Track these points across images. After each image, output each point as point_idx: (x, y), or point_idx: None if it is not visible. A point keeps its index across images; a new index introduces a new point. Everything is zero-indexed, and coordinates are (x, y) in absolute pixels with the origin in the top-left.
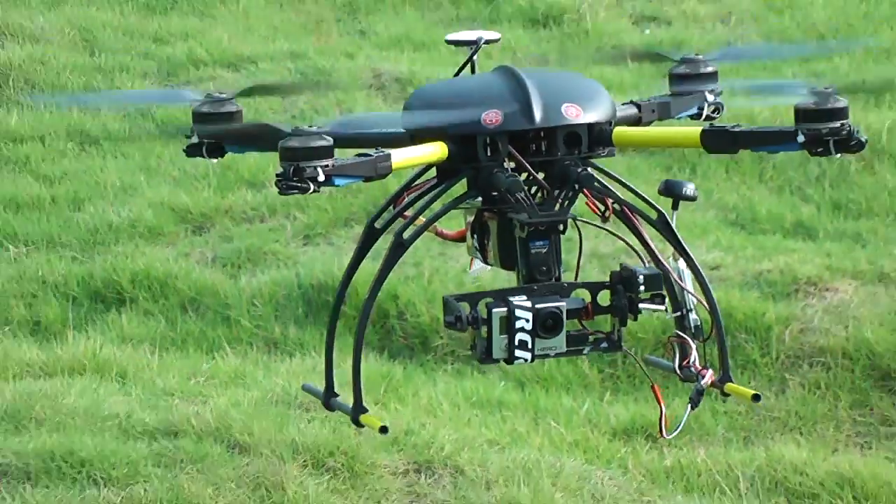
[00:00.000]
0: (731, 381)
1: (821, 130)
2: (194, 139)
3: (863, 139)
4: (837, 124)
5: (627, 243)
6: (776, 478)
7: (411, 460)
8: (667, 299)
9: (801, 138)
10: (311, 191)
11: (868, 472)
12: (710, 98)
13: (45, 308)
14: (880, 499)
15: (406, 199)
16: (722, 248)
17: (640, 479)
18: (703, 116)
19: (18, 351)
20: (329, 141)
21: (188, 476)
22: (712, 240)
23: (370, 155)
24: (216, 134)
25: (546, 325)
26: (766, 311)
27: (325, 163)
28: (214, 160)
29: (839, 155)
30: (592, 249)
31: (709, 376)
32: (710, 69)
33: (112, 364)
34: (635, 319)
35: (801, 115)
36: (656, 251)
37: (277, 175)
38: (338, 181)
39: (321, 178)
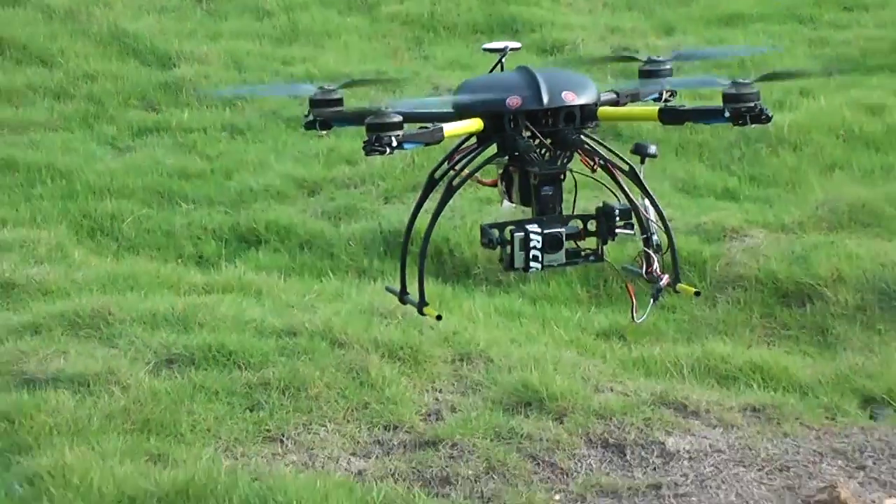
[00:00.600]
0: (679, 282)
1: (740, 108)
2: (310, 118)
3: (769, 114)
4: (752, 104)
5: (608, 188)
6: (709, 365)
7: (457, 352)
8: (636, 226)
9: (726, 114)
10: (387, 153)
11: (773, 361)
12: (667, 86)
13: (206, 246)
14: (781, 380)
15: (456, 157)
16: (673, 207)
17: (615, 366)
18: (663, 99)
19: (187, 275)
20: (400, 118)
21: (302, 363)
22: (666, 202)
23: (428, 127)
24: (326, 114)
25: (551, 243)
26: (703, 251)
27: (397, 133)
28: (324, 132)
29: (753, 125)
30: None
31: (665, 279)
32: (667, 66)
33: (252, 285)
34: (613, 240)
35: (726, 98)
36: (629, 192)
37: (364, 142)
38: (407, 146)
39: (394, 143)
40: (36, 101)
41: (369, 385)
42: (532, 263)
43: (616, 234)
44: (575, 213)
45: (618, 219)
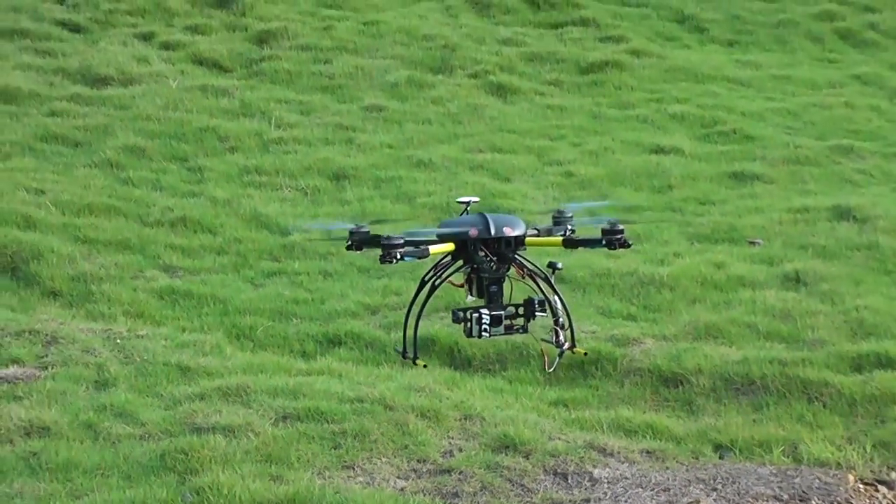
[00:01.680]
0: (575, 347)
1: (612, 238)
2: (349, 243)
3: (630, 243)
4: (619, 236)
5: (533, 288)
6: (619, 423)
7: (463, 414)
8: (548, 310)
9: (603, 242)
10: (394, 262)
11: (659, 421)
12: (570, 226)
13: (308, 346)
14: (664, 433)
15: (438, 267)
16: (596, 324)
17: (561, 423)
18: (568, 233)
19: (296, 364)
20: (402, 241)
21: (367, 419)
22: (592, 321)
23: (419, 248)
24: (358, 240)
25: (495, 321)
26: (615, 352)
27: (399, 252)
28: (357, 252)
29: (620, 249)
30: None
31: (566, 345)
32: (569, 215)
33: (336, 370)
34: (534, 319)
35: (603, 232)
36: (544, 291)
37: (380, 256)
38: (406, 258)
39: (398, 257)
40: (205, 255)
41: (408, 433)
42: (483, 333)
43: (536, 316)
44: (511, 302)
45: (537, 306)
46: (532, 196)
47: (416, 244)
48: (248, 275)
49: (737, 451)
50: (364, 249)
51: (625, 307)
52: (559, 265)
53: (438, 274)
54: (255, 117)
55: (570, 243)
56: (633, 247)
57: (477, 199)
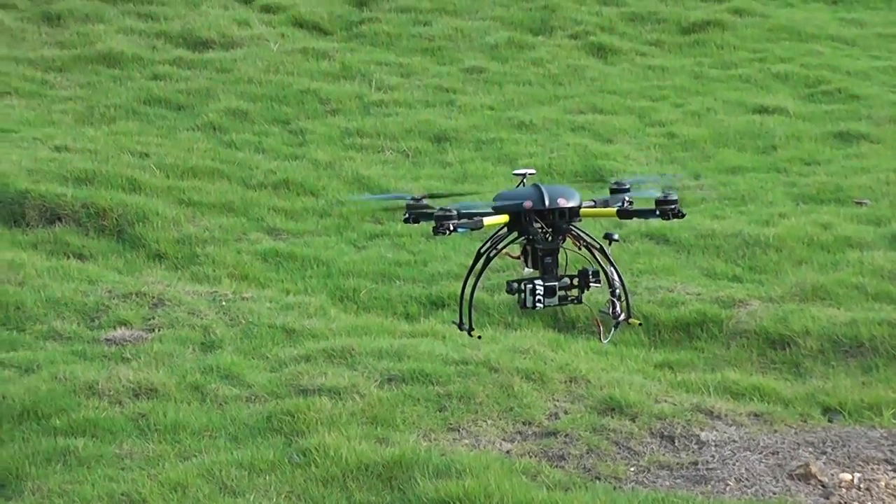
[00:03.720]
0: (631, 317)
1: (666, 209)
2: (406, 216)
3: (684, 213)
4: (673, 206)
5: (587, 258)
6: (726, 386)
7: (568, 376)
8: (600, 281)
9: (657, 213)
10: (448, 234)
11: (766, 384)
12: (628, 197)
13: (412, 307)
14: (771, 396)
15: (493, 239)
16: (701, 286)
17: (667, 386)
18: (625, 204)
19: (400, 326)
20: (455, 213)
21: (472, 381)
22: (697, 283)
23: (473, 220)
24: (416, 213)
25: (549, 292)
26: (721, 314)
27: (452, 223)
28: (415, 224)
29: (674, 219)
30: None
31: (622, 316)
32: (626, 186)
33: (440, 332)
34: (588, 290)
35: (657, 202)
36: (602, 262)
37: (433, 227)
38: (460, 230)
39: (451, 228)
40: (308, 218)
41: (513, 396)
42: (537, 304)
43: (590, 287)
44: (566, 273)
45: (591, 278)
46: (634, 157)
47: (470, 216)
48: (350, 237)
49: (846, 414)
50: (422, 222)
51: (730, 268)
52: (615, 236)
53: (494, 245)
54: (356, 80)
55: (625, 214)
56: (686, 216)
57: (533, 171)
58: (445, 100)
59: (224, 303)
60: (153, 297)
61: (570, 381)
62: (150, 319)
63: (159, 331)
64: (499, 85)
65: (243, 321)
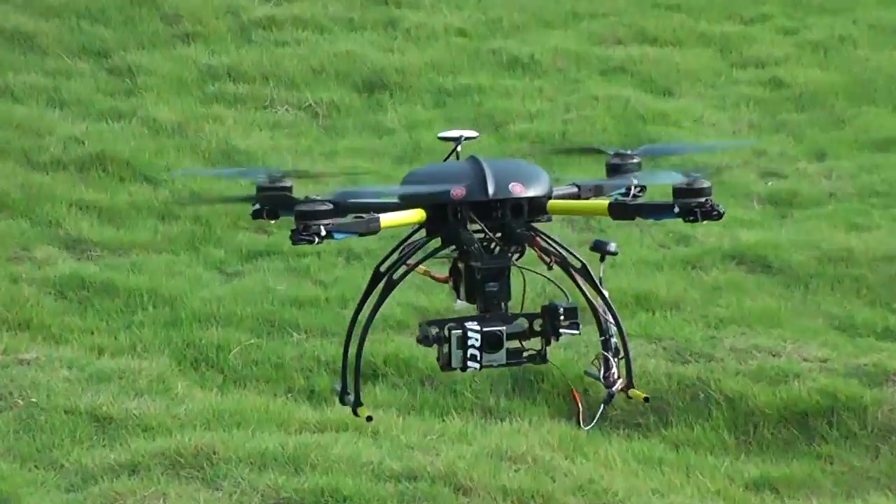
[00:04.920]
0: (633, 388)
1: (690, 204)
2: (256, 206)
3: (722, 210)
4: (702, 199)
5: (556, 284)
6: None
7: (592, 502)
8: (581, 325)
9: (676, 209)
10: (316, 242)
11: None
12: (636, 181)
13: (319, 380)
14: None
15: (402, 250)
16: (829, 346)
17: None
18: (631, 195)
19: (298, 412)
20: (329, 206)
21: None
22: (821, 340)
23: (363, 217)
24: (273, 202)
25: (491, 343)
26: (863, 395)
27: (326, 221)
28: (271, 221)
29: (704, 221)
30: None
31: (619, 383)
32: (635, 161)
33: (368, 424)
34: (557, 340)
35: (676, 192)
36: (587, 293)
37: (291, 231)
38: (337, 236)
39: (323, 232)
40: (139, 222)
41: None
42: (470, 363)
43: (560, 334)
44: (522, 311)
45: (562, 318)
46: (711, 121)
47: (358, 210)
48: (213, 255)
49: None
50: (284, 217)
51: (879, 316)
52: (611, 246)
53: (403, 261)
54: None
55: (621, 211)
56: (724, 216)
57: (474, 133)
58: (382, 18)
59: None
60: None
61: None
62: None
63: None
64: None
65: (20, 402)
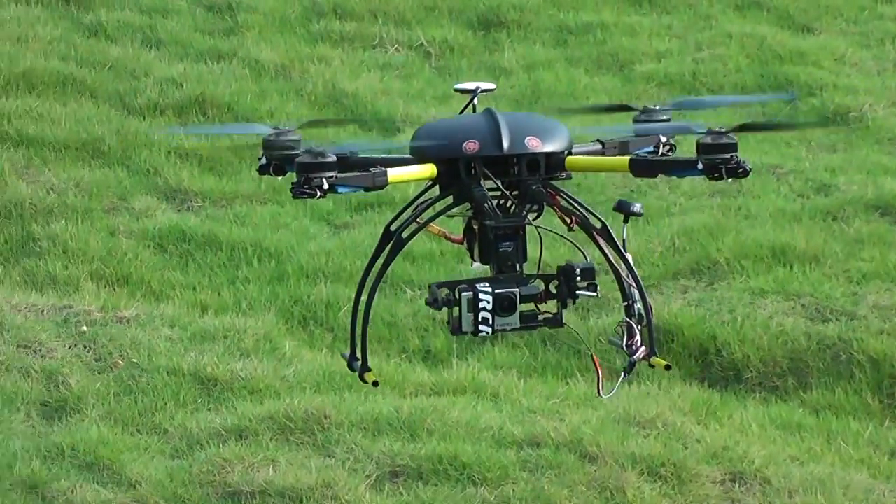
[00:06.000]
0: (655, 356)
1: (715, 160)
2: (263, 161)
3: (748, 167)
4: (728, 155)
5: (574, 244)
6: None
7: (727, 471)
8: (599, 287)
9: (700, 166)
10: (317, 196)
11: None
12: (664, 139)
13: (435, 340)
14: None
15: (414, 208)
16: None
17: None
18: (659, 154)
19: (413, 374)
20: (333, 158)
21: (548, 480)
22: None
23: (370, 171)
24: (279, 157)
25: (503, 305)
26: None
27: (329, 174)
28: (279, 177)
29: (729, 179)
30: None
31: (641, 351)
32: (664, 117)
33: (487, 386)
34: (574, 302)
35: (701, 148)
36: (609, 255)
37: (292, 184)
38: (340, 189)
39: (325, 186)
40: (242, 170)
41: None
42: (482, 327)
43: (577, 296)
44: (539, 272)
45: (579, 279)
46: (853, 60)
47: (362, 165)
48: (320, 207)
49: None
50: (290, 171)
51: None
52: (636, 207)
53: (414, 219)
54: None
55: (643, 167)
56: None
57: (492, 85)
58: None
59: (85, 328)
60: None
61: (732, 481)
62: None
63: None
64: None
65: (120, 362)
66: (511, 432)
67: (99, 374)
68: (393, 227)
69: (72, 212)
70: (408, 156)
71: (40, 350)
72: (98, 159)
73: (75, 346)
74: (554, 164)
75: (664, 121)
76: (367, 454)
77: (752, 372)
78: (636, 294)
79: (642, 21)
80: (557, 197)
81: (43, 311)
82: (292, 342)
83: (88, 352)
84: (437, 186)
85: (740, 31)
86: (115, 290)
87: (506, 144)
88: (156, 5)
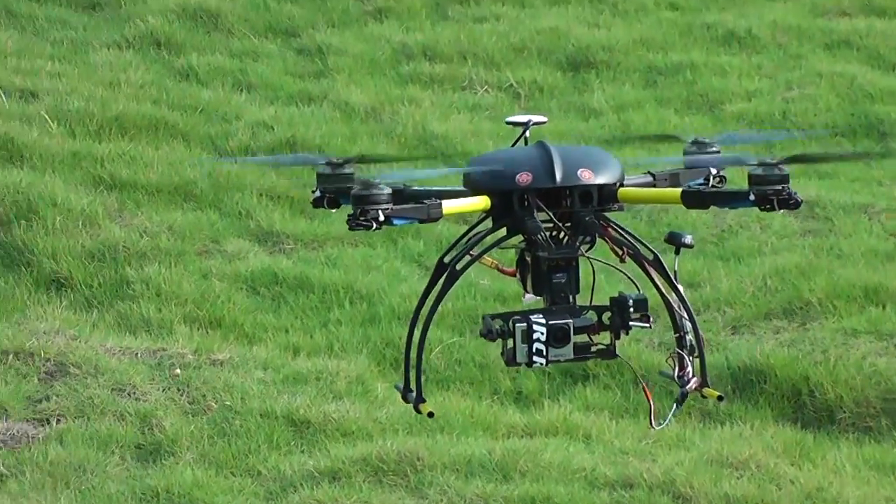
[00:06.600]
0: (707, 387)
1: (766, 191)
2: (317, 194)
3: (799, 199)
4: (779, 187)
5: (627, 275)
6: None
7: None
8: (652, 319)
9: (752, 197)
10: (373, 228)
11: None
12: (714, 171)
13: (526, 381)
14: None
15: (468, 239)
16: None
17: None
18: (711, 185)
19: (505, 415)
20: (388, 190)
21: None
22: None
23: (424, 203)
24: (333, 190)
25: (557, 337)
26: None
27: (385, 206)
28: (333, 210)
29: (781, 210)
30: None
31: (693, 382)
32: (714, 149)
33: (579, 427)
34: (627, 334)
35: (753, 179)
36: (661, 287)
37: (349, 216)
38: (396, 221)
39: (381, 218)
40: (333, 213)
41: None
42: (536, 358)
43: (630, 328)
44: (591, 303)
45: (632, 310)
46: None
47: (416, 197)
48: (411, 249)
49: None
50: (344, 205)
51: None
52: (687, 238)
53: (466, 251)
54: None
55: (695, 199)
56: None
57: (543, 119)
58: None
59: (178, 370)
60: (48, 360)
61: None
62: (41, 402)
63: (59, 422)
64: None
65: (213, 405)
66: (604, 473)
67: (193, 416)
68: (447, 259)
69: (165, 255)
70: (461, 188)
71: (134, 393)
72: (190, 202)
73: (169, 388)
74: (606, 195)
75: (714, 152)
76: (461, 496)
77: (845, 413)
78: (688, 325)
79: (732, 61)
80: (609, 228)
81: (137, 354)
82: (384, 384)
83: (182, 395)
84: (491, 218)
85: (830, 71)
86: (208, 332)
87: (559, 176)
88: (246, 49)
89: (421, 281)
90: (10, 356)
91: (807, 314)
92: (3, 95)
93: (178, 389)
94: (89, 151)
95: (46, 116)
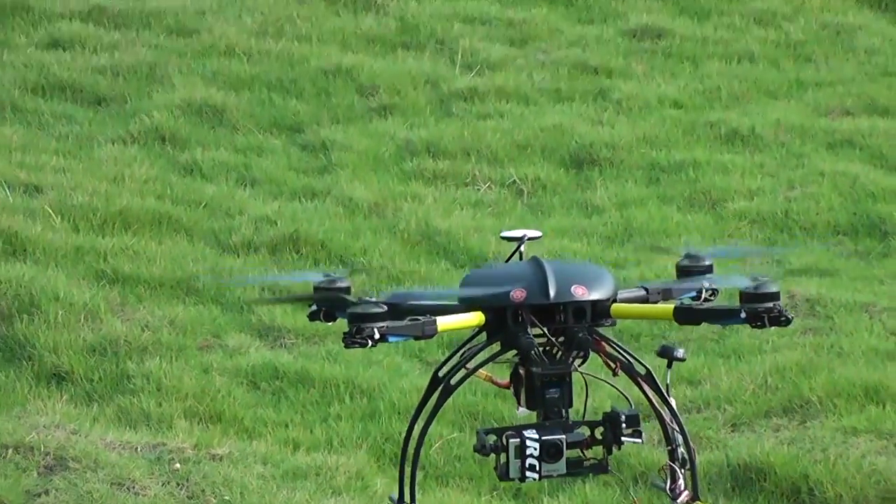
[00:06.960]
0: (699, 499)
1: (757, 309)
2: (313, 307)
3: (790, 317)
4: (770, 304)
5: (619, 390)
6: None
7: None
8: (644, 434)
9: (742, 315)
10: (369, 345)
11: None
12: (707, 285)
13: None
14: None
15: (461, 354)
16: None
17: None
18: (703, 299)
19: None
20: (383, 308)
21: None
22: None
23: (419, 320)
24: (326, 305)
25: (550, 452)
26: None
27: (381, 324)
28: (329, 323)
29: (772, 327)
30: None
31: (684, 496)
32: (706, 263)
33: None
34: (619, 449)
35: (744, 297)
36: (653, 400)
37: (344, 333)
38: (391, 338)
39: (377, 336)
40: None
41: None
42: (529, 473)
43: (622, 443)
44: (584, 417)
45: (624, 426)
46: None
47: (415, 312)
48: (412, 345)
49: None
50: (340, 318)
51: None
52: (679, 352)
53: (460, 365)
54: (426, 50)
55: (687, 315)
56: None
57: (538, 233)
58: (592, 89)
59: (178, 466)
60: (47, 454)
61: None
62: (40, 496)
63: None
64: (692, 60)
65: (212, 500)
66: None
67: None
68: (441, 374)
69: (166, 349)
70: (456, 303)
71: (133, 488)
72: (192, 297)
73: (168, 483)
74: (599, 311)
75: (707, 266)
76: None
77: None
78: (680, 438)
79: (734, 159)
80: (603, 343)
81: (137, 448)
82: (384, 480)
83: (181, 489)
84: (485, 333)
85: (832, 170)
86: (207, 427)
87: (552, 293)
88: (251, 144)
89: (422, 376)
90: (10, 450)
91: (807, 412)
92: (7, 190)
93: (178, 484)
94: (92, 246)
95: (50, 211)
